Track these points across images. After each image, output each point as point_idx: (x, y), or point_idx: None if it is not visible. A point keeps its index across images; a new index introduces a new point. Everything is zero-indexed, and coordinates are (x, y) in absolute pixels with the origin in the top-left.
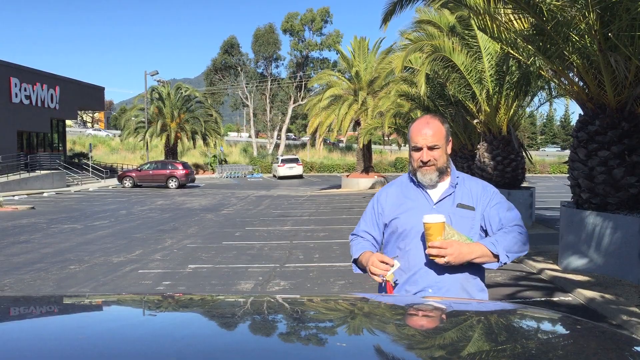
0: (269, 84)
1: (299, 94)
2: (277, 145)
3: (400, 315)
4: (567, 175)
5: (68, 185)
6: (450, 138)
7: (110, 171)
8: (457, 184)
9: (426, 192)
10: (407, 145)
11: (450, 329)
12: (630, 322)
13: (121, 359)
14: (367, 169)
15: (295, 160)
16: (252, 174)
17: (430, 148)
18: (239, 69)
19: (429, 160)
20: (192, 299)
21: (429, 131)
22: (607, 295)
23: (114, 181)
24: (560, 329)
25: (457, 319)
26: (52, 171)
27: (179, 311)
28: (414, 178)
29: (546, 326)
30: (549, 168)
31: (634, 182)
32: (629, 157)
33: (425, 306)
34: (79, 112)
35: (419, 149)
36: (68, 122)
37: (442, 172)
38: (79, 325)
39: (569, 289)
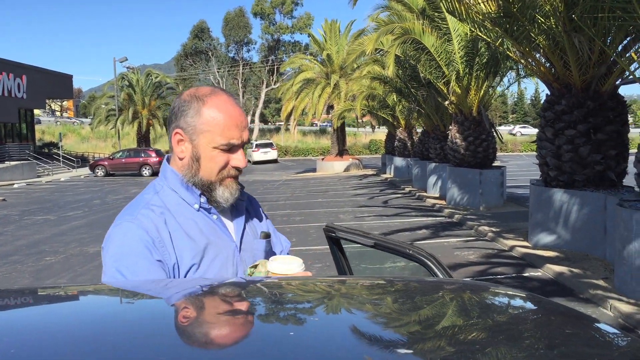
0: (241, 68)
1: (271, 78)
2: (251, 130)
3: (376, 295)
4: (536, 154)
5: (39, 176)
6: None
7: (82, 160)
8: (247, 198)
9: (219, 221)
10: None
11: (414, 308)
12: (597, 295)
13: (101, 349)
14: (342, 152)
15: (270, 145)
16: None
17: (243, 146)
18: (210, 53)
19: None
20: (168, 285)
21: (244, 117)
22: (575, 270)
23: (85, 170)
24: (520, 306)
25: (423, 297)
26: (22, 162)
27: (157, 298)
28: (195, 196)
29: (505, 303)
30: (520, 147)
31: (599, 160)
32: (595, 135)
33: (388, 284)
34: (48, 101)
35: (233, 147)
36: (37, 111)
37: None
38: (58, 316)
39: (539, 264)
